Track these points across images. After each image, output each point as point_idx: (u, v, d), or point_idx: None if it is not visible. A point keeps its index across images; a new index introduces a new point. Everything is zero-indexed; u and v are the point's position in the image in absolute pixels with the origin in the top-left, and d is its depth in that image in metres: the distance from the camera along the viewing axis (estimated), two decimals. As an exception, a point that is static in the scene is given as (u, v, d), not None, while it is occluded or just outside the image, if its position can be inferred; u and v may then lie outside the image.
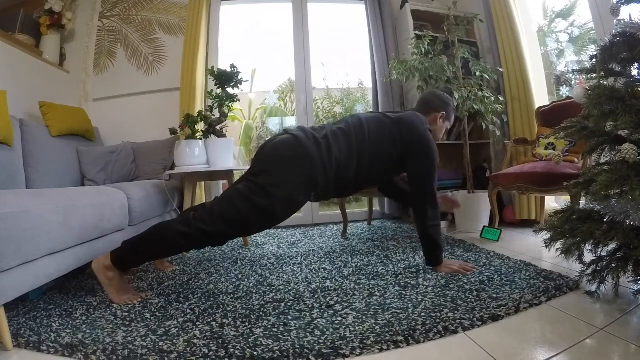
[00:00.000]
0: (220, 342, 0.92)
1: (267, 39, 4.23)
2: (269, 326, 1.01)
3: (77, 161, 2.26)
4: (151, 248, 1.25)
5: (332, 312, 1.09)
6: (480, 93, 2.25)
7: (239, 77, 2.09)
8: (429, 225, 1.43)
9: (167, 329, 1.02)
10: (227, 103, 2.10)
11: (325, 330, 0.97)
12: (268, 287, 1.36)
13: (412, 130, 1.45)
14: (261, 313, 1.11)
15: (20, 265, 0.99)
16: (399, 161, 1.47)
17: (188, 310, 1.16)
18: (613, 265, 1.08)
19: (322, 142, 1.30)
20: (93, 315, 1.14)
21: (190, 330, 1.00)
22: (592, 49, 1.28)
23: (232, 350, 0.88)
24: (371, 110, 3.13)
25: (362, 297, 1.20)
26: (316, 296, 1.23)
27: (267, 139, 1.53)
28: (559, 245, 1.23)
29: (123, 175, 2.37)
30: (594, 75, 1.20)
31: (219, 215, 1.20)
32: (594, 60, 1.18)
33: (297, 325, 1.00)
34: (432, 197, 1.44)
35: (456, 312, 1.03)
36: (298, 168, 1.24)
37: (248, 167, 1.40)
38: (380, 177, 1.63)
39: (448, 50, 2.46)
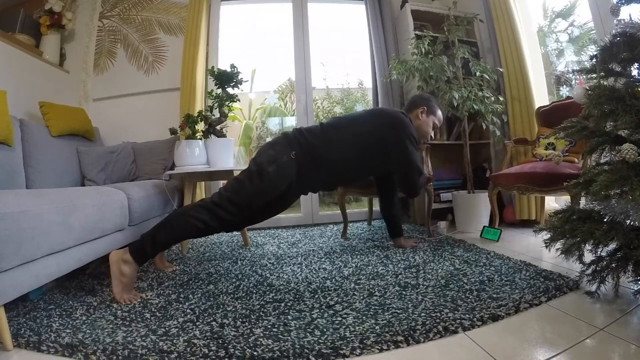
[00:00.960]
0: (220, 342, 0.92)
1: (267, 39, 4.22)
2: (269, 326, 1.01)
3: (77, 161, 2.26)
4: (171, 232, 1.33)
5: (332, 312, 1.09)
6: (480, 93, 2.25)
7: (239, 77, 2.09)
8: (417, 192, 1.72)
9: (167, 329, 1.02)
10: (227, 103, 2.10)
11: (325, 330, 0.97)
12: (268, 287, 1.36)
13: (384, 113, 1.70)
14: (261, 313, 1.11)
15: (20, 265, 0.99)
16: (381, 149, 1.60)
17: (188, 310, 1.16)
18: (613, 265, 1.08)
19: (297, 128, 1.61)
20: (93, 315, 1.14)
21: (190, 330, 1.00)
22: (592, 49, 1.28)
23: (232, 350, 0.88)
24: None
25: (362, 297, 1.20)
26: (316, 296, 1.23)
27: (266, 139, 1.67)
28: (559, 245, 1.23)
29: (123, 175, 2.37)
30: (594, 75, 1.20)
31: (224, 189, 1.45)
32: (594, 60, 1.18)
33: (297, 325, 1.00)
34: (416, 170, 1.64)
35: (456, 312, 1.03)
36: (277, 143, 1.54)
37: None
38: (363, 165, 1.66)
39: (448, 50, 2.46)
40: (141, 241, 1.31)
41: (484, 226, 2.11)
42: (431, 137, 1.81)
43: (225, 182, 2.61)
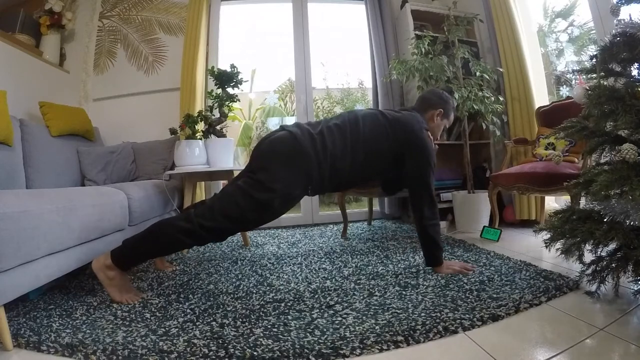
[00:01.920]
0: (220, 342, 0.92)
1: (267, 39, 4.22)
2: (269, 326, 1.01)
3: (77, 161, 2.26)
4: (152, 246, 1.25)
5: (332, 312, 1.09)
6: (480, 93, 2.25)
7: (239, 77, 2.09)
8: (426, 224, 1.43)
9: (167, 329, 1.02)
10: (227, 103, 2.10)
11: (325, 330, 0.97)
12: (268, 287, 1.36)
13: (407, 130, 1.46)
14: (261, 313, 1.11)
15: (20, 265, 0.99)
16: (395, 161, 1.48)
17: (188, 310, 1.16)
18: (613, 265, 1.08)
19: (317, 138, 1.33)
20: (93, 315, 1.14)
21: (190, 330, 1.00)
22: (592, 49, 1.28)
23: (232, 350, 0.88)
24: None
25: (362, 297, 1.20)
26: (316, 296, 1.23)
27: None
28: (559, 245, 1.23)
29: (123, 175, 2.37)
30: (594, 75, 1.20)
31: (219, 211, 1.23)
32: (594, 60, 1.18)
33: (297, 325, 1.00)
34: (428, 195, 1.44)
35: (456, 312, 1.03)
36: (294, 164, 1.29)
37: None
38: (376, 175, 1.62)
39: (448, 50, 2.46)
40: (123, 250, 1.24)
41: (484, 226, 2.11)
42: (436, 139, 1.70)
43: (224, 182, 2.62)
